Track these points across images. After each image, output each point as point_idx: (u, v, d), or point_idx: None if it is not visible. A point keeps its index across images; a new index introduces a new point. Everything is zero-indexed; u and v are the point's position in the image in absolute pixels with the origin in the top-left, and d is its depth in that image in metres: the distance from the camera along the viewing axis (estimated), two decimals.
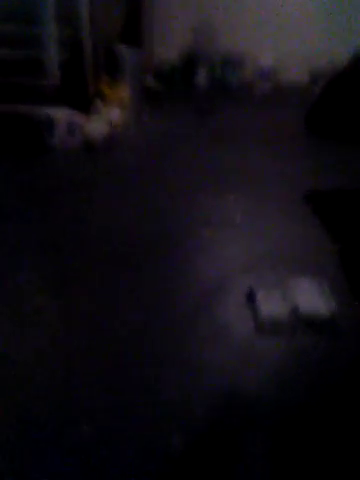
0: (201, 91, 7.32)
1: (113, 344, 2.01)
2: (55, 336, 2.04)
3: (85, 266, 2.59)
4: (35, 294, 2.32)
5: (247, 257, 2.71)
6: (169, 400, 1.73)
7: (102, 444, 1.54)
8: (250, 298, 2.25)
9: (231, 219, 3.12)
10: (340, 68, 5.53)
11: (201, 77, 7.76)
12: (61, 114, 4.51)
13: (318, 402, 1.75)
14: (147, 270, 2.58)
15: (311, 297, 2.23)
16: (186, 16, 7.79)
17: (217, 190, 3.60)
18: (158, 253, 2.76)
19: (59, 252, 2.73)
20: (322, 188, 3.78)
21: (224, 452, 1.55)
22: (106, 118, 4.88)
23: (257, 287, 2.26)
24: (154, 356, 1.95)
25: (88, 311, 2.22)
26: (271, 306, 2.17)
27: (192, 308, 2.25)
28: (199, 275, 2.54)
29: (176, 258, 2.71)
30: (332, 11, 7.39)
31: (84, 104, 4.92)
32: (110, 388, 1.77)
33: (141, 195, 3.59)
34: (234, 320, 2.18)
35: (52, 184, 3.71)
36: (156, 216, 3.22)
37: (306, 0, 7.45)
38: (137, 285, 2.44)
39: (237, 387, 1.80)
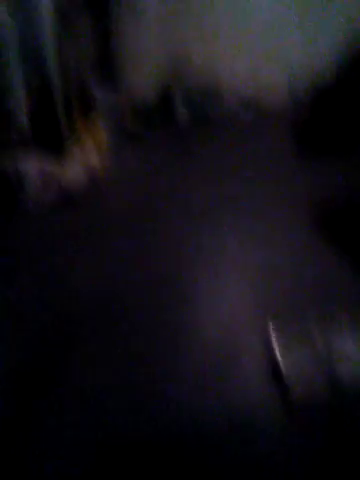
0: (181, 127, 7.00)
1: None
2: None
3: (67, 340, 2.06)
4: None
5: (260, 302, 2.17)
6: None
7: None
8: (275, 370, 1.69)
9: (232, 257, 2.61)
10: (322, 86, 5.31)
11: (180, 113, 7.50)
12: (32, 166, 4.10)
13: None
14: (140, 335, 2.04)
15: (353, 354, 1.68)
16: (160, 52, 7.61)
17: (212, 226, 3.11)
18: (150, 311, 2.23)
19: (34, 325, 2.21)
20: (331, 209, 3.29)
21: None
22: (83, 164, 4.48)
23: (280, 348, 1.71)
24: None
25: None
26: (303, 379, 1.61)
27: (197, 385, 1.71)
28: (202, 336, 2.00)
29: (173, 316, 2.17)
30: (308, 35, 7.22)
31: (58, 151, 4.55)
32: None
33: (129, 246, 3.08)
34: (253, 402, 1.62)
35: (21, 248, 3.20)
36: (147, 268, 2.71)
37: (281, 24, 7.29)
38: (127, 355, 1.90)
39: None
